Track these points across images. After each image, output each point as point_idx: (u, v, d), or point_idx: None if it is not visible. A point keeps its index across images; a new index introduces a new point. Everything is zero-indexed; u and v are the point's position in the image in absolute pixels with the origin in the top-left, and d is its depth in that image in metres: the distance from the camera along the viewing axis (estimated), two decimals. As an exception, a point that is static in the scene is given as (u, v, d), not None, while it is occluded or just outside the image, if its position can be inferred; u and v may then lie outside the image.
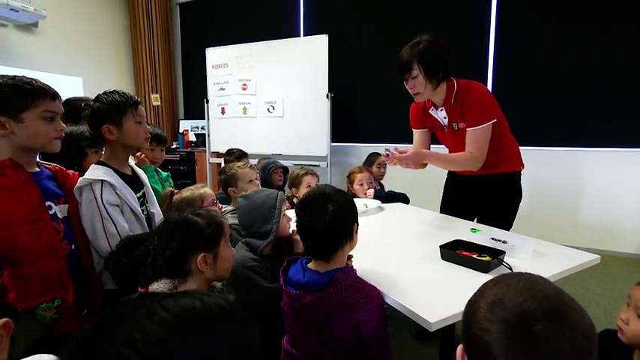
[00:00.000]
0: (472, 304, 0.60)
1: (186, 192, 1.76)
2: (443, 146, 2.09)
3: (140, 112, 1.44)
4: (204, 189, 1.80)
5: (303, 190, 2.32)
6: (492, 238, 1.49)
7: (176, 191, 1.80)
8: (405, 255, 1.49)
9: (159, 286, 1.06)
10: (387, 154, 1.79)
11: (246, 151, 3.23)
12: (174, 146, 5.40)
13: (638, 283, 0.98)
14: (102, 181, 1.35)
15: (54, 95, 1.23)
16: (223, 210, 1.94)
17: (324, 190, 1.16)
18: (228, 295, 1.08)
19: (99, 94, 1.42)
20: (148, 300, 0.44)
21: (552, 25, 3.44)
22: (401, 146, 1.87)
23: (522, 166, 2.01)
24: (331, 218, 1.10)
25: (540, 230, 3.31)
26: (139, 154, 2.13)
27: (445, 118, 1.91)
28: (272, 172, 2.80)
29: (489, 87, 3.74)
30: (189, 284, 1.07)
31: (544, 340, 0.51)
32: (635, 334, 0.95)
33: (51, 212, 1.25)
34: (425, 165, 1.90)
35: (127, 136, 1.42)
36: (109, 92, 1.42)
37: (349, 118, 4.43)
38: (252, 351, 0.46)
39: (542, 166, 3.52)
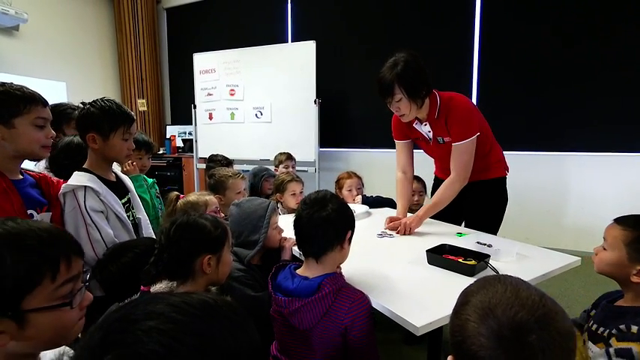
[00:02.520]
0: (460, 315, 0.60)
1: (192, 196, 1.81)
2: (422, 151, 2.11)
3: (132, 130, 1.43)
4: (210, 196, 1.86)
5: (287, 197, 2.30)
6: (478, 242, 1.52)
7: (182, 195, 1.83)
8: (393, 259, 1.50)
9: (160, 287, 1.08)
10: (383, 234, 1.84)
11: (234, 156, 3.19)
12: (160, 152, 5.35)
13: (614, 221, 1.12)
14: (85, 187, 1.34)
15: (45, 102, 1.24)
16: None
17: (326, 194, 1.21)
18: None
19: (96, 100, 1.40)
20: (166, 295, 0.49)
21: (535, 33, 3.52)
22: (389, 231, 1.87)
23: (507, 170, 2.04)
24: (329, 215, 1.14)
25: (526, 233, 3.37)
26: (129, 161, 2.11)
27: (430, 132, 1.91)
28: (263, 179, 2.78)
29: (474, 94, 3.81)
30: (189, 286, 1.10)
31: (540, 349, 0.52)
32: (599, 261, 1.14)
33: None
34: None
35: (110, 150, 1.40)
36: (107, 100, 1.39)
37: (337, 124, 4.45)
38: (259, 346, 0.50)
39: (526, 171, 3.59)
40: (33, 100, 1.19)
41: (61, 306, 0.67)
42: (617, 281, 1.12)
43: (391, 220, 1.90)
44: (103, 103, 1.38)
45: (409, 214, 1.99)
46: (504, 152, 2.06)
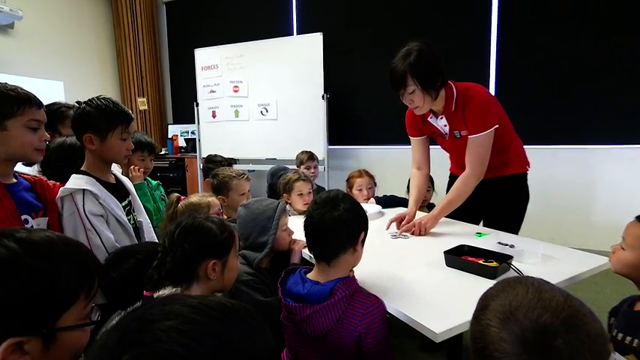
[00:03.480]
0: (480, 320, 0.59)
1: (194, 198, 1.84)
2: (437, 146, 2.10)
3: (130, 129, 1.44)
4: (212, 198, 1.88)
5: (295, 197, 2.28)
6: (499, 243, 1.50)
7: (183, 197, 1.86)
8: (408, 262, 1.49)
9: (164, 293, 1.08)
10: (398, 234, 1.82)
11: (239, 156, 3.19)
12: (162, 152, 5.39)
13: (636, 218, 1.10)
14: (83, 190, 1.35)
15: (40, 104, 1.24)
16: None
17: (338, 193, 1.22)
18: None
19: (92, 98, 1.41)
20: (183, 296, 0.51)
21: (557, 18, 3.47)
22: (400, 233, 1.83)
23: (528, 165, 2.02)
24: (341, 215, 1.14)
25: (551, 233, 3.32)
26: (133, 167, 2.13)
27: (446, 126, 1.90)
28: (282, 179, 2.78)
29: (492, 85, 3.77)
30: (192, 291, 1.10)
31: (567, 353, 0.51)
32: (616, 261, 1.13)
33: (27, 226, 1.23)
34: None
35: (108, 151, 1.41)
36: (103, 99, 1.40)
37: (346, 120, 4.44)
38: (276, 351, 0.52)
39: (550, 166, 3.54)
40: (27, 101, 1.20)
41: (89, 325, 0.67)
42: (636, 283, 1.10)
43: (400, 218, 1.88)
44: (99, 102, 1.38)
45: (419, 213, 1.98)
46: (525, 146, 2.04)
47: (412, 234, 1.80)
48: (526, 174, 2.01)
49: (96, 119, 1.36)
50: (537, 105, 3.59)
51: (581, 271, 1.33)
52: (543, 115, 3.58)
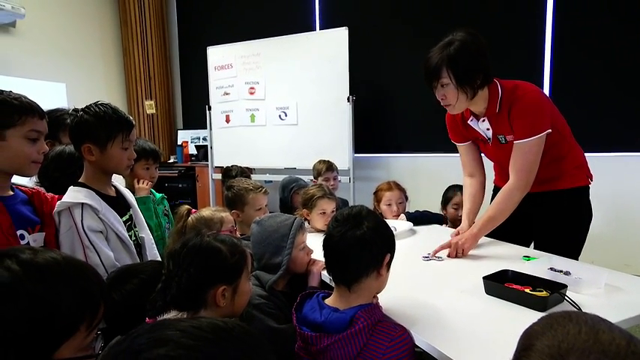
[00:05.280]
0: None
1: (206, 212, 1.87)
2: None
3: (131, 137, 1.49)
4: (226, 213, 1.92)
5: (315, 215, 2.30)
6: (551, 269, 1.47)
7: (194, 210, 1.89)
8: (441, 288, 1.49)
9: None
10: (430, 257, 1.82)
11: (255, 165, 3.23)
12: (171, 160, 5.52)
13: None
14: (82, 204, 1.40)
15: (42, 114, 1.31)
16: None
17: (362, 209, 1.23)
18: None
19: (90, 105, 1.46)
20: (172, 321, 0.53)
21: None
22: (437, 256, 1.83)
23: (591, 178, 1.97)
24: (364, 234, 1.15)
25: (625, 258, 3.18)
26: (140, 179, 2.21)
27: (488, 129, 1.90)
28: (294, 192, 2.82)
29: (547, 82, 3.68)
30: None
31: None
32: None
33: (23, 242, 1.29)
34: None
35: (109, 162, 1.46)
36: (102, 105, 1.46)
37: (375, 125, 4.45)
38: None
39: (620, 176, 3.38)
40: (30, 110, 1.26)
41: (90, 357, 0.69)
42: None
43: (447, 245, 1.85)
44: (97, 109, 1.44)
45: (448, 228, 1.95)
46: (588, 154, 2.00)
47: (447, 256, 1.79)
48: (587, 188, 1.97)
49: (94, 128, 1.42)
50: (603, 106, 3.46)
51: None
52: (610, 117, 3.44)
